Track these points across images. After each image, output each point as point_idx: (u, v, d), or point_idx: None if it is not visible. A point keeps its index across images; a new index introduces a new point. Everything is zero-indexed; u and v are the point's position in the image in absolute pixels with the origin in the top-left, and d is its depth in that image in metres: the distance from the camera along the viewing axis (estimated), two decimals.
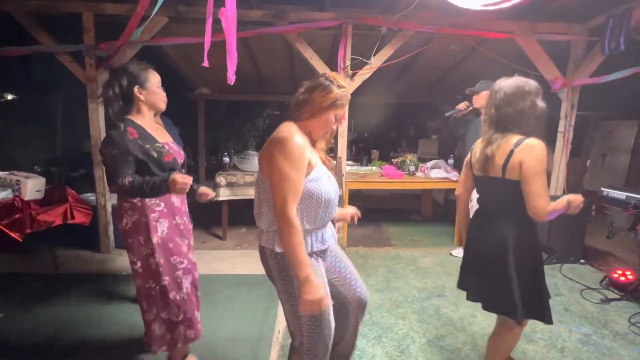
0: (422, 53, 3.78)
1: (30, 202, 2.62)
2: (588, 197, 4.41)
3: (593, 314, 2.50)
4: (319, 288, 1.24)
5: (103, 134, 3.27)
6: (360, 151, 6.85)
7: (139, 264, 1.65)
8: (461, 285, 1.72)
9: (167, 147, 1.68)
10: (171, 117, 2.62)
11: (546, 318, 1.54)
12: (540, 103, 1.49)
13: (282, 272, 1.36)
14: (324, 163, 1.43)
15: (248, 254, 3.47)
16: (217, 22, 1.41)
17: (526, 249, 1.52)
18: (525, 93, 1.48)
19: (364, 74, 3.39)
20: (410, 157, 4.30)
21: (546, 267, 3.24)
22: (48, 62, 3.28)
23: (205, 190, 1.84)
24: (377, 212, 4.91)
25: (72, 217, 2.85)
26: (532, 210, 1.43)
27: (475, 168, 1.63)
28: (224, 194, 3.68)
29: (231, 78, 1.39)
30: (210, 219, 4.22)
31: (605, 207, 3.16)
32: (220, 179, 3.68)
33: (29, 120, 4.99)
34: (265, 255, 1.40)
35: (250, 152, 4.12)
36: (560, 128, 3.56)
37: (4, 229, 2.36)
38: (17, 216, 2.50)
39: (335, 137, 3.65)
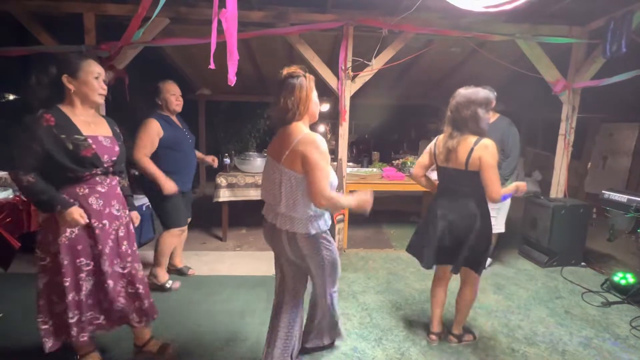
0: (423, 55, 3.78)
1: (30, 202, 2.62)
2: (589, 199, 4.41)
3: (594, 317, 2.49)
4: (360, 197, 1.61)
5: None
6: (360, 153, 6.84)
7: (47, 259, 1.61)
8: (419, 255, 2.11)
9: (89, 141, 1.58)
10: (151, 115, 2.63)
11: (479, 270, 1.98)
12: (482, 112, 1.84)
13: (313, 250, 1.62)
14: None
15: (248, 255, 3.46)
16: (219, 23, 1.41)
17: (486, 218, 1.94)
18: (470, 103, 1.84)
19: (365, 75, 3.39)
20: (411, 159, 4.30)
21: (547, 270, 3.27)
22: (48, 61, 3.28)
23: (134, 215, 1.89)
24: (378, 214, 4.90)
25: None
26: (489, 194, 1.83)
27: (440, 159, 1.98)
28: (225, 195, 3.68)
29: (232, 79, 1.40)
30: (210, 220, 4.22)
31: (606, 209, 3.15)
32: (221, 180, 3.67)
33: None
34: (296, 240, 1.62)
35: (250, 153, 4.12)
36: (561, 130, 3.56)
37: (4, 233, 2.35)
38: (16, 217, 2.49)
39: (336, 139, 3.65)
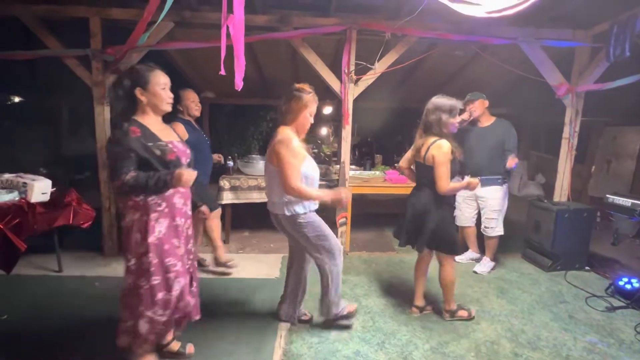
0: (426, 58, 3.79)
1: (36, 204, 2.64)
2: (592, 203, 4.39)
3: (598, 322, 2.48)
4: (336, 192, 2.02)
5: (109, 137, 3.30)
6: (363, 156, 6.85)
7: (133, 261, 1.68)
8: (398, 236, 2.44)
9: (170, 146, 1.72)
10: (176, 120, 2.77)
11: (456, 251, 2.36)
12: (445, 117, 2.16)
13: (293, 228, 2.05)
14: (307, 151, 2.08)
15: (251, 258, 3.47)
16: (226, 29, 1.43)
17: (441, 206, 2.23)
18: (437, 109, 2.17)
19: (368, 79, 3.40)
20: None
21: (550, 274, 3.25)
22: (54, 65, 3.32)
23: (204, 209, 2.08)
24: (380, 217, 4.90)
25: (75, 220, 2.88)
26: (437, 186, 2.16)
27: (414, 154, 2.36)
28: (227, 198, 3.69)
29: (239, 84, 1.43)
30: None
31: (610, 213, 3.14)
32: (224, 183, 3.69)
33: (35, 122, 5.04)
34: (279, 219, 2.08)
35: (254, 155, 4.13)
36: (565, 134, 3.55)
37: (11, 236, 2.38)
38: (22, 218, 2.51)
39: (339, 142, 3.66)
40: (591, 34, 3.36)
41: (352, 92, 3.40)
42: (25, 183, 2.65)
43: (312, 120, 2.08)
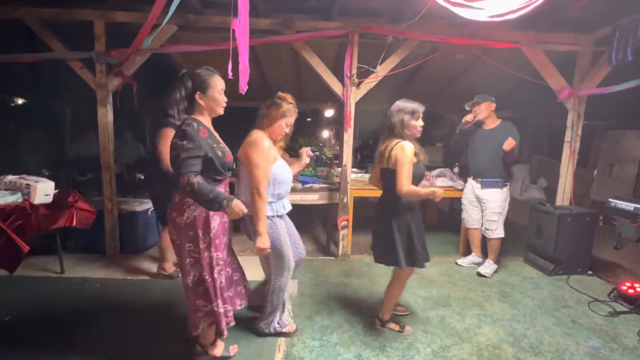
0: (428, 62, 3.80)
1: (39, 206, 2.65)
2: (595, 207, 4.38)
3: (601, 327, 2.46)
4: (266, 241, 1.91)
5: (112, 139, 3.31)
6: (365, 158, 6.85)
7: (196, 255, 1.76)
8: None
9: (227, 149, 1.83)
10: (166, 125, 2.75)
11: (417, 264, 2.16)
12: (407, 118, 2.12)
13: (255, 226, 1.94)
14: (282, 157, 2.10)
15: (252, 261, 3.45)
16: (227, 31, 1.44)
17: (393, 214, 2.15)
18: (400, 111, 2.14)
19: (370, 82, 3.41)
20: None
21: (553, 278, 3.24)
22: (57, 67, 3.34)
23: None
24: None
25: (77, 221, 2.88)
26: (396, 186, 2.05)
27: (377, 162, 2.27)
28: None
29: (243, 88, 1.46)
30: None
31: (612, 217, 3.13)
32: None
33: (39, 124, 5.06)
34: (246, 220, 2.02)
35: None
36: (567, 138, 3.54)
37: (14, 237, 2.39)
38: (25, 220, 2.52)
39: (341, 144, 3.67)
40: (593, 38, 3.37)
41: (354, 95, 3.41)
42: (28, 184, 2.67)
43: (287, 131, 2.08)
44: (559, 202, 3.61)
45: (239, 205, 1.67)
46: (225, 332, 1.84)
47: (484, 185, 3.21)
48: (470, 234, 3.46)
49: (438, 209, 5.06)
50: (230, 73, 1.56)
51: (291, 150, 4.72)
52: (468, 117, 3.26)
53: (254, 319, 2.34)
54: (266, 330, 2.21)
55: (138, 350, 2.07)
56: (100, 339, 2.17)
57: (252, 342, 2.18)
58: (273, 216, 2.02)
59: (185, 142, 1.65)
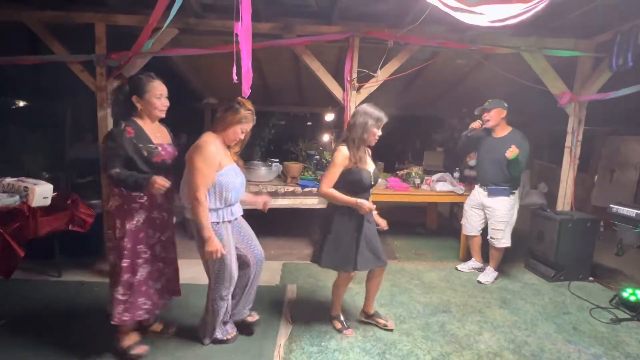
0: (429, 66, 3.80)
1: (37, 208, 2.64)
2: (596, 213, 4.36)
3: (603, 334, 2.44)
4: (216, 243, 1.85)
5: None
6: None
7: (112, 243, 1.93)
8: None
9: (159, 149, 1.93)
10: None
11: (347, 269, 2.19)
12: (371, 123, 2.12)
13: (197, 235, 1.92)
14: (236, 162, 2.05)
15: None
16: (227, 34, 1.44)
17: (330, 216, 2.19)
18: (366, 114, 2.13)
19: (370, 86, 3.41)
20: (415, 170, 4.28)
21: (554, 284, 3.21)
22: (58, 70, 3.35)
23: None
24: None
25: (75, 224, 2.87)
26: (319, 188, 2.14)
27: None
28: None
29: (246, 92, 1.48)
30: None
31: (613, 223, 3.11)
32: None
33: (39, 126, 5.07)
34: (189, 225, 1.98)
35: (256, 162, 4.13)
36: (567, 143, 3.53)
37: (11, 241, 2.38)
38: (22, 223, 2.51)
39: None
40: (594, 44, 3.37)
41: (354, 100, 3.40)
42: (26, 187, 2.65)
43: (242, 137, 2.01)
44: (559, 207, 3.59)
45: (157, 181, 1.81)
46: (120, 322, 1.92)
47: (491, 193, 3.15)
48: (470, 240, 3.44)
49: (438, 213, 5.04)
50: (234, 77, 1.56)
51: (291, 154, 4.73)
52: (474, 125, 3.19)
53: (251, 326, 2.32)
54: (205, 342, 2.13)
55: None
56: (98, 342, 2.14)
57: (250, 347, 2.15)
58: (218, 222, 1.94)
59: (108, 142, 1.87)
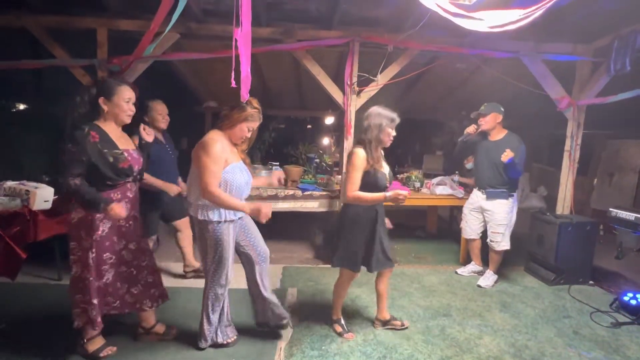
0: (428, 70, 3.82)
1: (38, 212, 2.64)
2: (595, 216, 4.36)
3: (604, 338, 2.44)
4: (255, 206, 1.89)
5: None
6: None
7: (79, 253, 1.87)
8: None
9: (125, 155, 1.88)
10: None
11: (354, 268, 2.24)
12: (385, 123, 2.13)
13: (201, 232, 1.98)
14: (243, 160, 2.07)
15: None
16: (228, 39, 1.45)
17: (344, 218, 2.22)
18: (379, 115, 2.15)
19: (370, 90, 3.43)
20: (415, 173, 4.29)
21: (554, 288, 3.21)
22: (59, 73, 3.37)
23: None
24: None
25: None
26: (343, 192, 2.25)
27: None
28: None
29: (245, 96, 1.48)
30: None
31: (613, 227, 3.12)
32: None
33: (39, 129, 5.08)
34: (193, 222, 2.00)
35: (256, 165, 4.14)
36: (567, 147, 3.55)
37: (11, 242, 2.38)
38: (24, 226, 2.51)
39: (341, 152, 3.67)
40: (592, 48, 3.39)
41: (354, 104, 3.42)
42: (28, 191, 2.66)
43: (248, 135, 2.02)
44: (559, 210, 3.60)
45: (115, 209, 1.77)
46: (98, 327, 1.93)
47: (489, 196, 3.16)
48: (469, 244, 3.44)
49: (438, 216, 5.05)
50: (233, 82, 1.57)
51: (291, 157, 4.74)
52: (469, 129, 3.21)
53: (250, 328, 2.32)
54: (201, 345, 2.10)
55: (140, 356, 2.04)
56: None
57: (250, 351, 2.15)
58: (220, 222, 1.94)
59: (69, 145, 1.75)
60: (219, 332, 2.14)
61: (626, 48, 2.91)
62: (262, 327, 2.32)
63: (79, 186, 1.75)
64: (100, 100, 1.85)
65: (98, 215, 1.82)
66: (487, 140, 3.21)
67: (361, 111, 3.47)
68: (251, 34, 1.65)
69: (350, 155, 2.17)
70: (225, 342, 2.16)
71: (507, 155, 2.89)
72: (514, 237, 3.23)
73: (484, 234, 3.32)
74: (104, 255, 1.89)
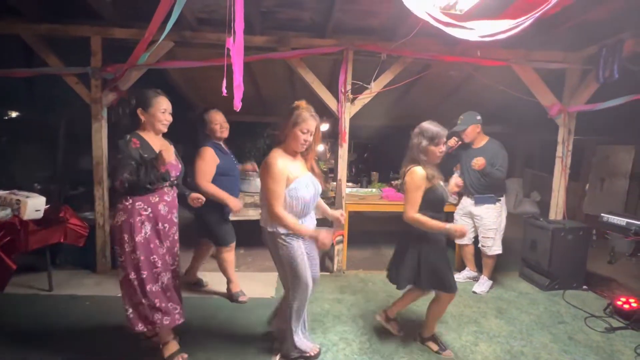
0: (422, 78, 3.86)
1: (29, 221, 2.61)
2: (588, 221, 4.40)
3: (598, 343, 2.45)
4: (319, 233, 1.86)
5: (106, 153, 3.30)
6: (360, 173, 6.88)
7: (123, 257, 1.93)
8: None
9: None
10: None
11: (446, 288, 2.14)
12: (425, 143, 2.09)
13: (272, 245, 1.98)
14: (312, 169, 2.05)
15: (246, 276, 3.41)
16: (222, 47, 1.46)
17: (420, 242, 2.13)
18: (420, 134, 2.12)
19: (364, 98, 3.45)
20: None
21: (548, 294, 3.22)
22: (51, 81, 3.35)
23: (196, 195, 2.33)
24: (377, 235, 4.88)
25: (69, 238, 2.83)
26: (404, 213, 2.08)
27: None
28: None
29: (237, 105, 1.48)
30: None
31: (606, 232, 3.15)
32: None
33: (32, 138, 5.03)
34: (264, 233, 2.01)
35: (250, 173, 4.13)
36: (558, 153, 3.59)
37: (2, 254, 2.34)
38: (14, 236, 2.47)
39: (336, 159, 3.68)
40: (581, 56, 3.45)
41: (348, 111, 3.44)
42: (19, 200, 2.63)
43: (306, 138, 1.93)
44: (552, 216, 3.63)
45: (163, 155, 1.85)
46: (162, 327, 1.97)
47: (477, 202, 3.21)
48: (462, 249, 3.45)
49: None
50: (224, 90, 1.57)
51: None
52: (450, 142, 3.27)
53: (245, 336, 2.29)
54: (291, 354, 2.10)
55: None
56: (90, 359, 2.10)
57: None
58: (287, 234, 1.91)
59: (116, 154, 1.91)
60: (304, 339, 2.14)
61: (613, 56, 2.97)
62: (267, 337, 2.33)
63: (129, 178, 1.84)
64: (138, 111, 1.97)
65: (138, 217, 1.91)
66: (470, 148, 3.27)
67: (355, 119, 3.51)
68: (246, 43, 1.66)
69: (408, 174, 2.10)
70: (306, 355, 2.13)
71: (478, 164, 2.98)
72: (508, 243, 3.25)
73: (477, 240, 3.34)
74: (151, 257, 1.95)
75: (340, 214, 2.15)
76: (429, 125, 2.11)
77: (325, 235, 1.85)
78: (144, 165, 1.87)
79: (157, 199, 1.98)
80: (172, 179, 2.04)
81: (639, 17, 2.77)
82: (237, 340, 2.33)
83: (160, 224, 1.99)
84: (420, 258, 2.11)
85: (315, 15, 3.13)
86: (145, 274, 1.93)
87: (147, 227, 1.94)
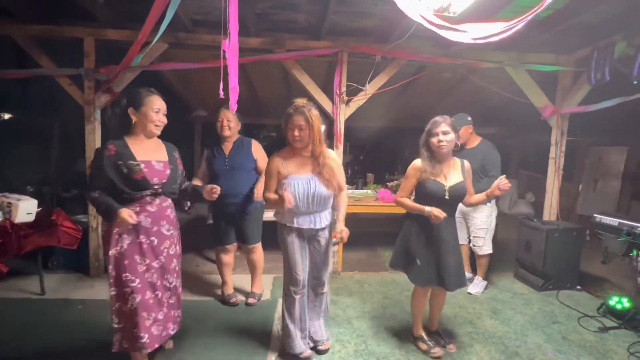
0: (416, 79, 3.88)
1: (20, 225, 2.58)
2: (581, 221, 4.43)
3: (592, 343, 2.46)
4: (280, 197, 1.96)
5: None
6: (355, 174, 6.88)
7: (108, 270, 1.81)
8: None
9: (141, 166, 1.78)
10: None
11: (412, 279, 2.29)
12: (423, 138, 2.18)
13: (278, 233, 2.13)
14: (320, 173, 2.02)
15: (242, 279, 3.39)
16: (217, 48, 1.46)
17: (406, 225, 2.29)
18: (425, 131, 2.19)
19: (359, 100, 3.46)
20: None
21: (543, 294, 3.24)
22: (44, 82, 3.32)
23: (209, 187, 2.03)
24: (373, 236, 4.88)
25: (61, 241, 2.80)
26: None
27: None
28: None
29: (233, 107, 1.48)
30: (203, 241, 4.16)
31: (599, 232, 3.18)
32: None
33: (24, 139, 4.98)
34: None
35: None
36: (551, 154, 3.62)
37: None
38: (6, 240, 2.44)
39: None
40: (573, 59, 3.49)
41: (343, 113, 3.45)
42: (10, 203, 2.59)
43: (295, 133, 1.97)
44: (546, 217, 3.66)
45: (121, 215, 1.67)
46: (120, 349, 1.80)
47: None
48: None
49: None
50: (221, 92, 1.57)
51: None
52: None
53: (240, 339, 2.28)
54: (292, 354, 2.12)
55: None
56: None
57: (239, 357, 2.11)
58: (283, 224, 2.08)
59: (91, 163, 1.82)
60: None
61: (605, 59, 3.01)
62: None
63: (97, 198, 1.76)
64: (129, 110, 1.83)
65: (116, 229, 1.76)
66: (463, 149, 3.29)
67: (350, 120, 3.51)
68: (241, 44, 1.66)
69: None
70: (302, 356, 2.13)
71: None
72: (503, 243, 3.27)
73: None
74: (123, 275, 1.75)
75: (340, 231, 2.11)
76: (432, 120, 2.18)
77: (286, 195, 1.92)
78: (113, 179, 1.75)
79: (137, 209, 1.78)
80: (155, 187, 1.83)
81: (630, 20, 2.81)
82: (232, 342, 2.32)
83: (143, 238, 1.80)
84: (397, 238, 2.30)
85: (310, 17, 3.13)
86: (114, 290, 1.77)
87: (125, 240, 1.76)
